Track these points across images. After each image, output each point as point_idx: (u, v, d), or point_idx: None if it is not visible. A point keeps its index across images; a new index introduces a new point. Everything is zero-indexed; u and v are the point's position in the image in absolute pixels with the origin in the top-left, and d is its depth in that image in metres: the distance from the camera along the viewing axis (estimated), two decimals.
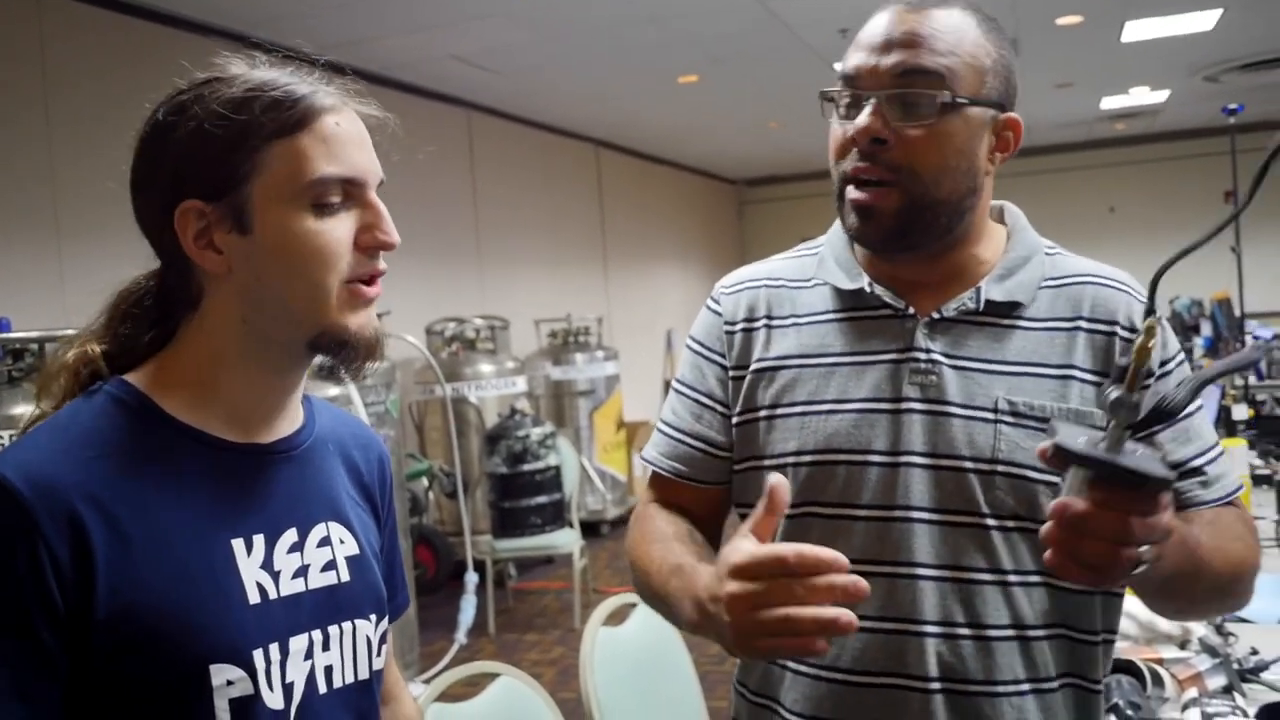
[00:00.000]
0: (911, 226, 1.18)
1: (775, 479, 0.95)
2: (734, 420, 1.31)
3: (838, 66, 1.23)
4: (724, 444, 1.32)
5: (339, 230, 0.98)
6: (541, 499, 5.68)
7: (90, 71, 4.52)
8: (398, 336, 5.15)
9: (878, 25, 1.19)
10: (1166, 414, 0.89)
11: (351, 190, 1.00)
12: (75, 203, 4.38)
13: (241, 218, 0.96)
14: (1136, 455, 0.86)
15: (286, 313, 0.98)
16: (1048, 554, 0.89)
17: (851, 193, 1.19)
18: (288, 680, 0.99)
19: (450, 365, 6.29)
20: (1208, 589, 1.17)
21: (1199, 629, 2.05)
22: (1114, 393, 0.87)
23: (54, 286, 4.31)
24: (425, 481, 6.06)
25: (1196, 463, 1.22)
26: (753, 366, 1.30)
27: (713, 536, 1.32)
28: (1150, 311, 0.90)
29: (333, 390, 3.84)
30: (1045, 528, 0.89)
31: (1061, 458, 0.86)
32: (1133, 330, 1.22)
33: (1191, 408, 1.24)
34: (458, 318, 6.69)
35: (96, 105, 4.42)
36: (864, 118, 1.16)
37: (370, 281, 1.01)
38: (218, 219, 0.96)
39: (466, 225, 7.50)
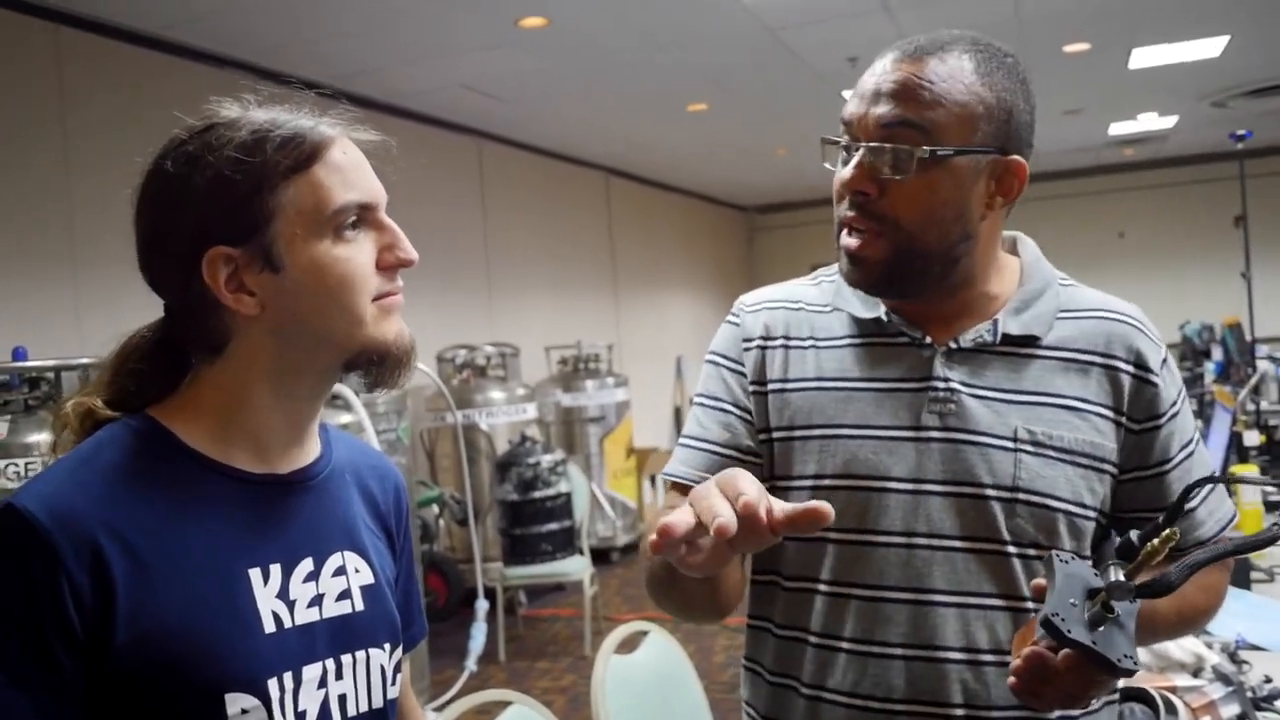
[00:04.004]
0: (899, 274, 1.20)
1: (823, 506, 0.87)
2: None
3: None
4: (756, 451, 1.31)
5: (363, 254, 1.01)
6: (552, 526, 5.67)
7: (107, 101, 4.57)
8: None
9: (872, 73, 1.21)
10: (1162, 592, 0.96)
11: (365, 214, 1.02)
12: (91, 232, 4.42)
13: (271, 257, 0.98)
14: (1116, 637, 0.95)
15: (323, 340, 1.01)
16: (1011, 680, 1.01)
17: (844, 239, 1.23)
18: (300, 708, 1.00)
19: (461, 392, 6.30)
20: (1153, 639, 1.32)
21: (1213, 656, 2.04)
22: (1114, 573, 0.96)
23: (70, 315, 4.35)
24: (436, 509, 6.06)
25: (1193, 503, 1.25)
26: (770, 387, 1.31)
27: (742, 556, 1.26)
28: (1170, 523, 0.96)
29: (345, 418, 3.85)
30: (1015, 664, 1.00)
31: (1048, 628, 0.95)
32: (1140, 366, 1.24)
33: (1191, 447, 1.26)
34: (468, 345, 6.71)
35: (113, 135, 4.47)
36: (849, 170, 1.20)
37: (395, 292, 1.04)
38: (246, 261, 0.98)
39: (477, 252, 7.53)
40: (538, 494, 5.65)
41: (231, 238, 0.97)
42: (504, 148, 7.86)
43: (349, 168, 1.01)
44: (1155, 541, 0.95)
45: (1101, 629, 0.94)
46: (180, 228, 0.99)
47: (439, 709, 3.24)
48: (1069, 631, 0.93)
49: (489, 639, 5.08)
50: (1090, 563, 1.01)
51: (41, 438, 2.74)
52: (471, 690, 1.99)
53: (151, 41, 4.85)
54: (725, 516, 0.85)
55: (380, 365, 1.03)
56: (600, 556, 7.20)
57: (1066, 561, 0.99)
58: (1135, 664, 0.94)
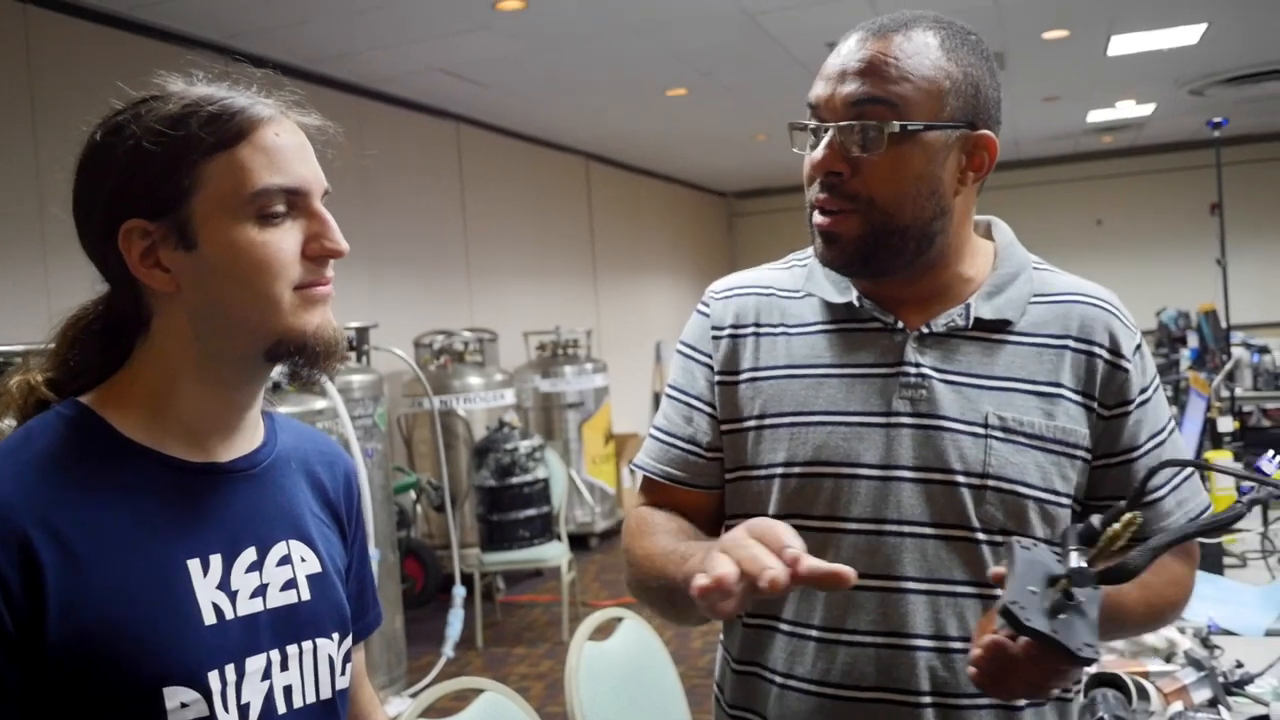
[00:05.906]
0: (875, 252, 1.19)
1: (847, 571, 0.90)
2: (721, 428, 1.31)
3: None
4: (715, 445, 1.32)
5: (285, 241, 0.98)
6: (530, 512, 5.67)
7: (77, 83, 4.51)
8: (385, 349, 5.14)
9: (837, 54, 1.21)
10: (1124, 577, 0.94)
11: (296, 200, 0.99)
12: (62, 215, 4.36)
13: (186, 234, 0.95)
14: (1076, 625, 0.92)
15: (238, 325, 0.97)
16: (972, 671, 0.99)
17: (816, 218, 1.22)
18: (243, 701, 0.98)
19: (438, 378, 6.27)
20: (1122, 634, 1.31)
21: (1185, 642, 2.06)
22: (1075, 559, 0.94)
23: (40, 299, 4.29)
24: (413, 495, 6.04)
25: (1161, 493, 1.24)
26: (742, 376, 1.30)
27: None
28: (1133, 507, 0.95)
29: (319, 404, 3.82)
30: (974, 653, 0.99)
31: (1007, 617, 0.92)
32: (1113, 352, 1.23)
33: (1162, 437, 1.26)
34: (446, 330, 6.67)
35: (84, 117, 4.40)
36: (820, 151, 1.19)
37: (321, 282, 1.01)
38: (162, 236, 0.96)
39: (455, 238, 7.49)
40: (515, 480, 5.64)
41: (148, 211, 0.95)
42: (483, 132, 7.81)
43: (278, 150, 0.98)
44: (1116, 526, 0.93)
45: (1062, 617, 0.92)
46: (101, 197, 0.98)
47: (416, 695, 3.24)
48: (1028, 620, 0.91)
49: (467, 625, 5.08)
50: (1054, 549, 0.99)
51: (9, 423, 2.70)
52: (449, 676, 1.99)
53: (123, 23, 4.78)
54: (777, 570, 0.88)
55: (299, 356, 0.99)
56: (578, 542, 7.20)
57: (1028, 548, 0.98)
58: (1096, 653, 0.92)
